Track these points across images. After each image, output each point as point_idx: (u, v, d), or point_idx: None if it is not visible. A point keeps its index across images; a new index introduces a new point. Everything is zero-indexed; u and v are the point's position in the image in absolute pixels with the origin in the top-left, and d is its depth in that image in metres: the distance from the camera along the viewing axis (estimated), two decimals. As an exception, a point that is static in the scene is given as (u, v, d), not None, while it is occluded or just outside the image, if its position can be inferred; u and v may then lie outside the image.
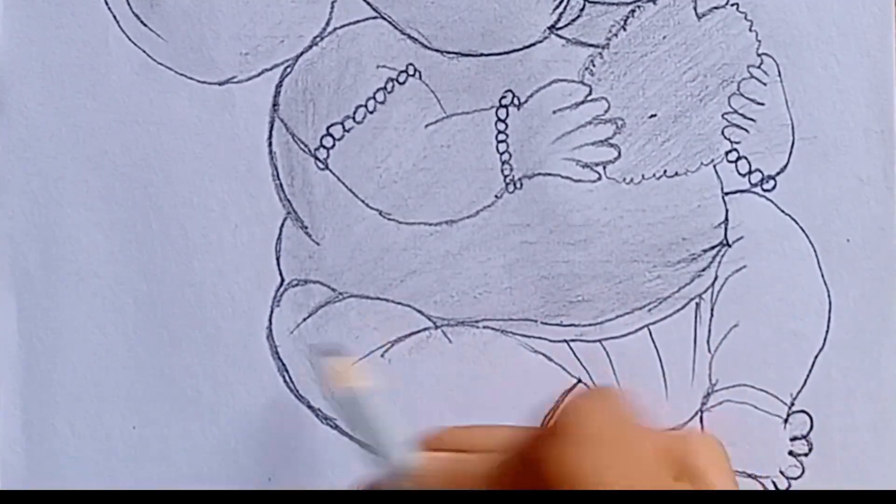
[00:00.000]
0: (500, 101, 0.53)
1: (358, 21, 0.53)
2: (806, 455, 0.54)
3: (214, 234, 0.54)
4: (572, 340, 0.54)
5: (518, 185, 0.53)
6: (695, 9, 0.53)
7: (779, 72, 0.54)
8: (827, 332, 0.54)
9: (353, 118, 0.53)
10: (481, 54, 0.53)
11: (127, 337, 0.54)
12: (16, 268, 0.54)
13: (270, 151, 0.54)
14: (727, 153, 0.54)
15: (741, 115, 0.53)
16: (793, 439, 0.54)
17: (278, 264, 0.54)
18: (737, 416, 0.53)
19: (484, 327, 0.54)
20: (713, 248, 0.54)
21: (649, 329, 0.54)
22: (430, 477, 0.44)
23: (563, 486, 0.38)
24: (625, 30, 0.53)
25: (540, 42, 0.53)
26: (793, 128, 0.54)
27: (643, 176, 0.53)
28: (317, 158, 0.53)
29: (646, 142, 0.53)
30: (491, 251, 0.53)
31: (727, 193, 0.54)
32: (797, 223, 0.54)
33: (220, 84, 0.54)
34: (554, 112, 0.53)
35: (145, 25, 0.54)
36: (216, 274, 0.54)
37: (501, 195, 0.53)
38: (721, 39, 0.53)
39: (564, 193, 0.53)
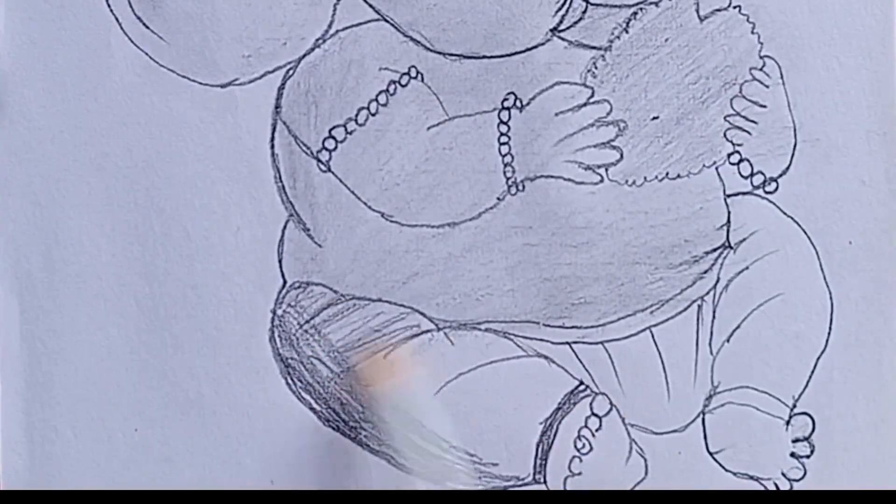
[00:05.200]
0: (502, 103, 0.53)
1: (360, 23, 0.53)
2: (808, 457, 0.54)
3: (216, 236, 0.54)
4: (574, 342, 0.54)
5: (520, 188, 0.53)
6: (697, 11, 0.53)
7: (781, 74, 0.54)
8: (829, 334, 0.54)
9: (356, 120, 0.53)
10: (483, 56, 0.53)
11: (129, 339, 0.54)
12: (18, 269, 0.54)
13: (272, 154, 0.54)
14: (729, 155, 0.54)
15: (743, 117, 0.54)
16: (795, 441, 0.54)
17: (280, 266, 0.54)
18: (739, 418, 0.53)
19: (486, 329, 0.54)
20: (715, 250, 0.54)
21: (651, 331, 0.54)
22: None
23: None
24: (627, 32, 0.53)
25: (542, 44, 0.53)
26: (795, 130, 0.54)
27: (645, 178, 0.53)
28: (319, 160, 0.53)
29: (648, 144, 0.53)
30: (493, 253, 0.53)
31: (729, 196, 0.54)
32: (799, 225, 0.54)
33: (223, 86, 0.54)
34: (556, 114, 0.53)
35: (147, 27, 0.53)
36: (218, 276, 0.54)
37: (504, 197, 0.53)
38: (723, 42, 0.53)
39: (567, 196, 0.53)
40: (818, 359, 0.54)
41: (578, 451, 0.53)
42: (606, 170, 0.53)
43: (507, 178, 0.53)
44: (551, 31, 0.53)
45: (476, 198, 0.53)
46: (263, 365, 0.54)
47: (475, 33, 0.53)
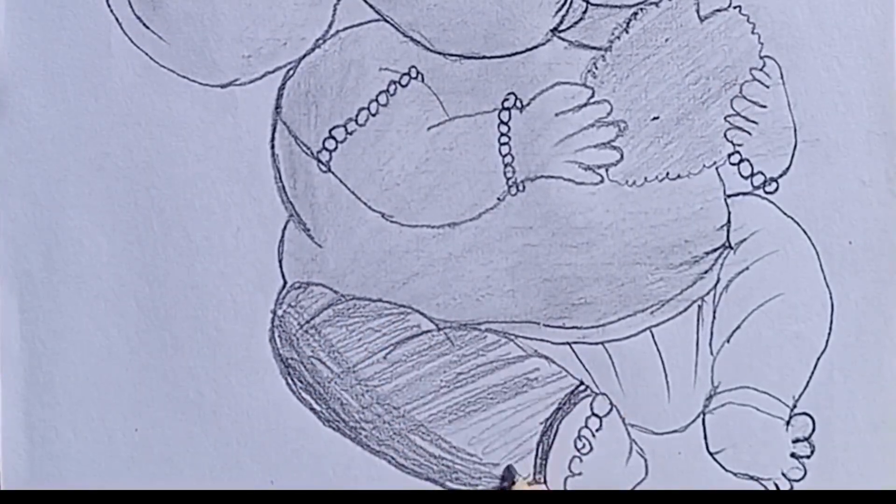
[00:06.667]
0: (502, 103, 0.53)
1: (360, 24, 0.53)
2: (808, 457, 0.54)
3: (217, 236, 0.54)
4: (574, 343, 0.54)
5: (521, 188, 0.53)
6: (697, 11, 0.53)
7: (781, 74, 0.54)
8: (829, 334, 0.54)
9: (356, 121, 0.53)
10: (484, 57, 0.53)
11: (129, 339, 0.54)
12: (18, 269, 0.54)
13: (273, 154, 0.54)
14: (729, 156, 0.54)
15: (743, 117, 0.54)
16: (795, 441, 0.54)
17: (280, 267, 0.54)
18: (739, 418, 0.53)
19: (486, 330, 0.54)
20: (715, 250, 0.54)
21: (651, 331, 0.54)
22: None
23: None
24: (627, 32, 0.53)
25: (542, 45, 0.53)
26: (795, 130, 0.54)
27: (646, 178, 0.53)
28: (319, 161, 0.53)
29: (648, 144, 0.53)
30: (493, 254, 0.53)
31: (729, 196, 0.54)
32: (799, 225, 0.54)
33: (223, 86, 0.54)
34: (556, 114, 0.53)
35: (147, 28, 0.53)
36: (218, 276, 0.54)
37: (504, 198, 0.53)
38: (723, 42, 0.53)
39: (567, 196, 0.53)
40: (818, 359, 0.54)
41: (579, 451, 0.53)
42: (607, 170, 0.53)
43: (508, 179, 0.53)
44: (551, 31, 0.53)
45: (476, 198, 0.53)
46: (263, 365, 0.54)
47: (475, 33, 0.53)
